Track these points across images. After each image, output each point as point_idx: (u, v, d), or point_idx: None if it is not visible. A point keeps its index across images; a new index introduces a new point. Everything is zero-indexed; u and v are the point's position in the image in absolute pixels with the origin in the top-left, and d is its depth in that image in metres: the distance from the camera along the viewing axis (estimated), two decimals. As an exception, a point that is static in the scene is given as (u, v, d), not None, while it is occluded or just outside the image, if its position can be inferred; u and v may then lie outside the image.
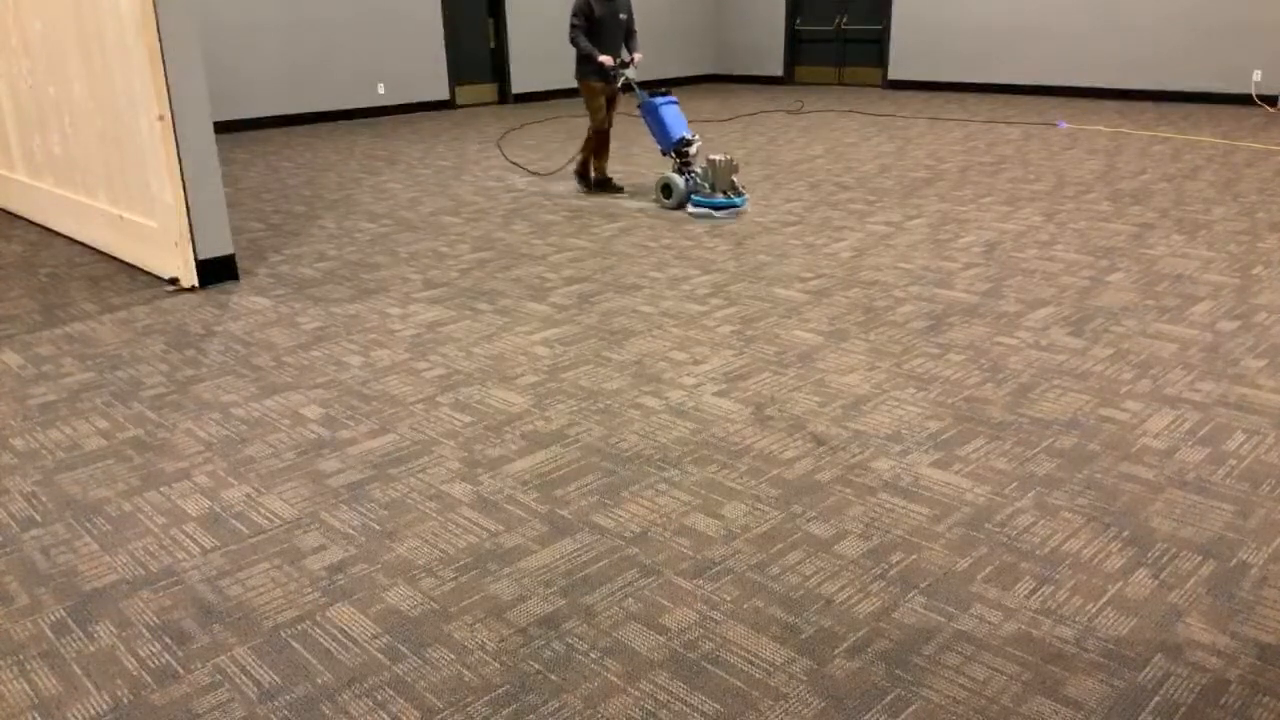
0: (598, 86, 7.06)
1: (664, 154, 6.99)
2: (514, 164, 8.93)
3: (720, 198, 6.68)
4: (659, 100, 6.93)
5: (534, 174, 8.40)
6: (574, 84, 14.75)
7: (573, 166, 8.20)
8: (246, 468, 3.22)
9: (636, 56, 7.14)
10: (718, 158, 6.69)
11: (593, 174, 7.55)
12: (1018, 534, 2.72)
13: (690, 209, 6.75)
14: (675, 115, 6.94)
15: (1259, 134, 9.51)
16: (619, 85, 7.08)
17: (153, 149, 5.00)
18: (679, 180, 6.79)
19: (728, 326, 4.46)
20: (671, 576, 2.55)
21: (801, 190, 7.44)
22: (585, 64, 7.02)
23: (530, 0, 13.66)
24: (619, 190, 7.52)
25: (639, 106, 7.05)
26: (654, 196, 7.13)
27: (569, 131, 10.93)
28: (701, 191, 6.76)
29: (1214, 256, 5.42)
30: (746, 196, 6.90)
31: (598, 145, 7.37)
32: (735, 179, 6.82)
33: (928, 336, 4.28)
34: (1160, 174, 7.71)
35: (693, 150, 6.84)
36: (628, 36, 7.15)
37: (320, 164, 9.16)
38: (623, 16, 7.03)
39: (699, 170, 6.82)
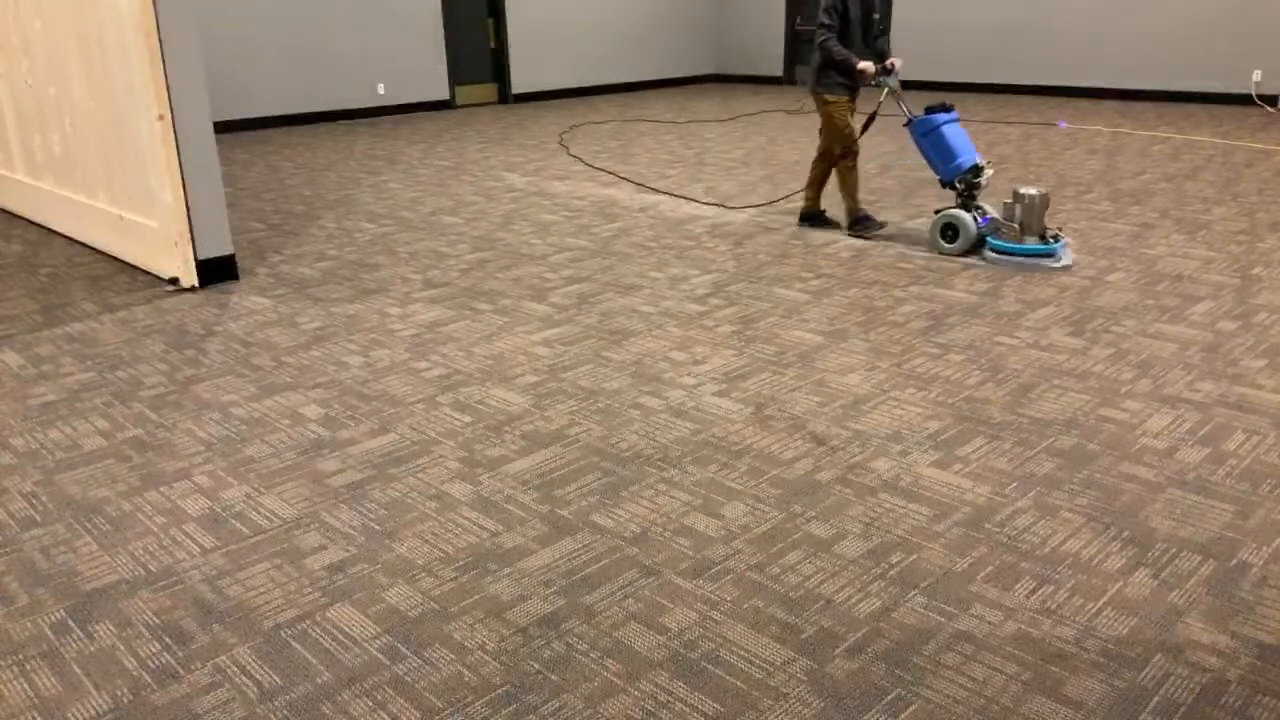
0: (845, 100, 5.79)
1: (944, 185, 5.66)
2: (676, 195, 7.34)
3: (1031, 243, 5.31)
4: (940, 118, 5.57)
5: (721, 206, 7.01)
6: (574, 84, 14.87)
7: (803, 203, 6.39)
8: (246, 468, 3.22)
9: (897, 61, 5.77)
10: (1028, 191, 5.24)
11: (854, 209, 6.07)
12: (1018, 534, 2.72)
13: (987, 255, 5.43)
14: (961, 136, 5.59)
15: (1259, 134, 9.51)
16: (885, 94, 5.86)
17: (153, 149, 5.00)
18: (968, 220, 5.44)
19: (728, 326, 4.46)
20: (671, 576, 2.55)
21: (802, 190, 7.43)
22: (832, 73, 5.74)
23: (530, 0, 13.66)
24: (833, 225, 6.24)
25: (908, 124, 5.71)
26: (929, 240, 5.72)
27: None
28: (1004, 234, 5.37)
29: (1214, 256, 5.42)
30: (1065, 240, 5.44)
31: (824, 173, 6.09)
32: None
33: (928, 336, 4.28)
34: (1160, 174, 7.71)
35: (984, 180, 5.55)
36: (876, 37, 5.89)
37: (320, 164, 9.16)
38: (876, 15, 5.79)
39: (986, 206, 5.57)
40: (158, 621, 2.42)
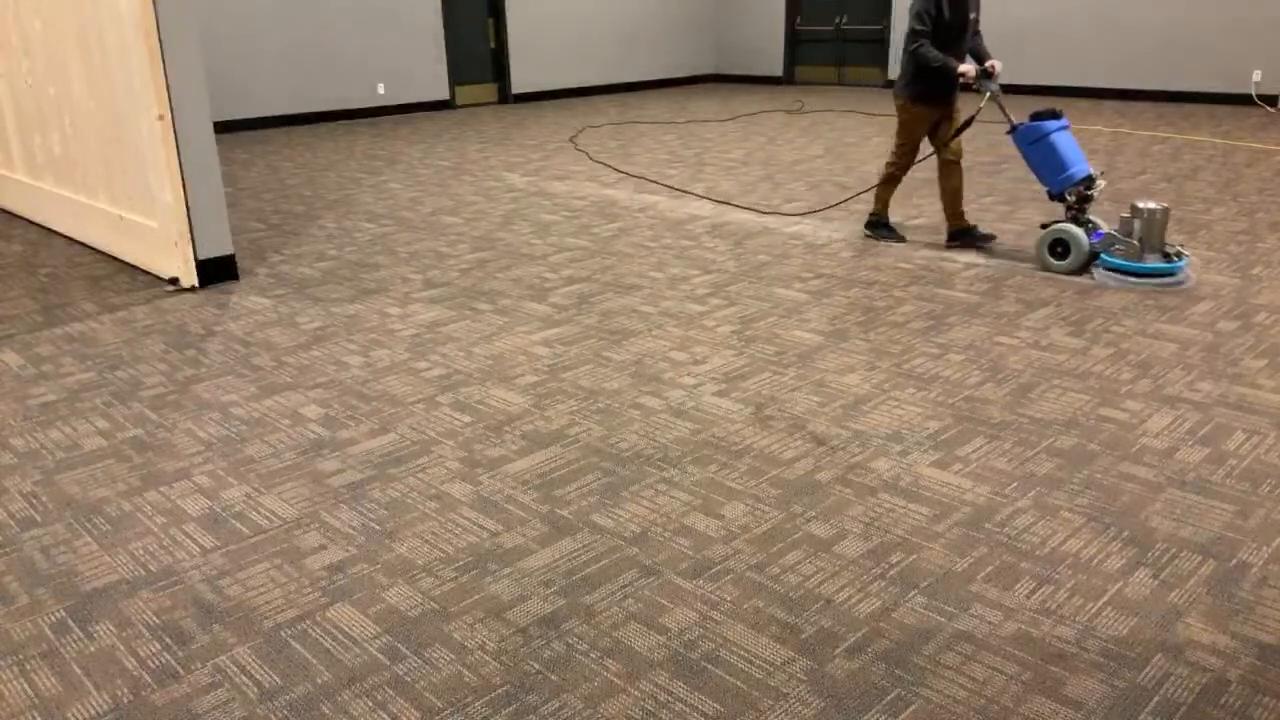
0: (926, 112, 5.46)
1: (1053, 197, 5.24)
2: (732, 204, 7.00)
3: (1151, 261, 4.90)
4: (1049, 125, 5.16)
5: (768, 213, 6.73)
6: (574, 84, 14.86)
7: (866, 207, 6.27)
8: (246, 468, 3.22)
9: (997, 64, 5.38)
10: (1148, 206, 4.83)
11: (880, 212, 5.93)
12: (1018, 534, 2.72)
13: (1098, 273, 5.02)
14: (1072, 144, 5.18)
15: (1259, 134, 9.51)
16: (985, 99, 5.44)
17: (153, 149, 5.00)
18: (1080, 235, 5.04)
19: (728, 326, 4.46)
20: (671, 576, 2.55)
21: (801, 190, 7.44)
22: (923, 80, 5.40)
23: (530, 0, 13.66)
24: (987, 238, 5.72)
25: (1012, 132, 5.30)
26: (1036, 257, 5.28)
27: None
28: (1121, 250, 4.95)
29: (1214, 256, 5.42)
30: (1189, 258, 4.99)
31: (953, 184, 5.62)
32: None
33: (928, 336, 4.28)
34: (1160, 174, 7.71)
35: (1096, 192, 5.15)
36: (973, 34, 5.50)
37: (320, 164, 9.16)
38: (973, 15, 5.39)
39: (1098, 220, 5.18)
40: (158, 621, 2.42)
